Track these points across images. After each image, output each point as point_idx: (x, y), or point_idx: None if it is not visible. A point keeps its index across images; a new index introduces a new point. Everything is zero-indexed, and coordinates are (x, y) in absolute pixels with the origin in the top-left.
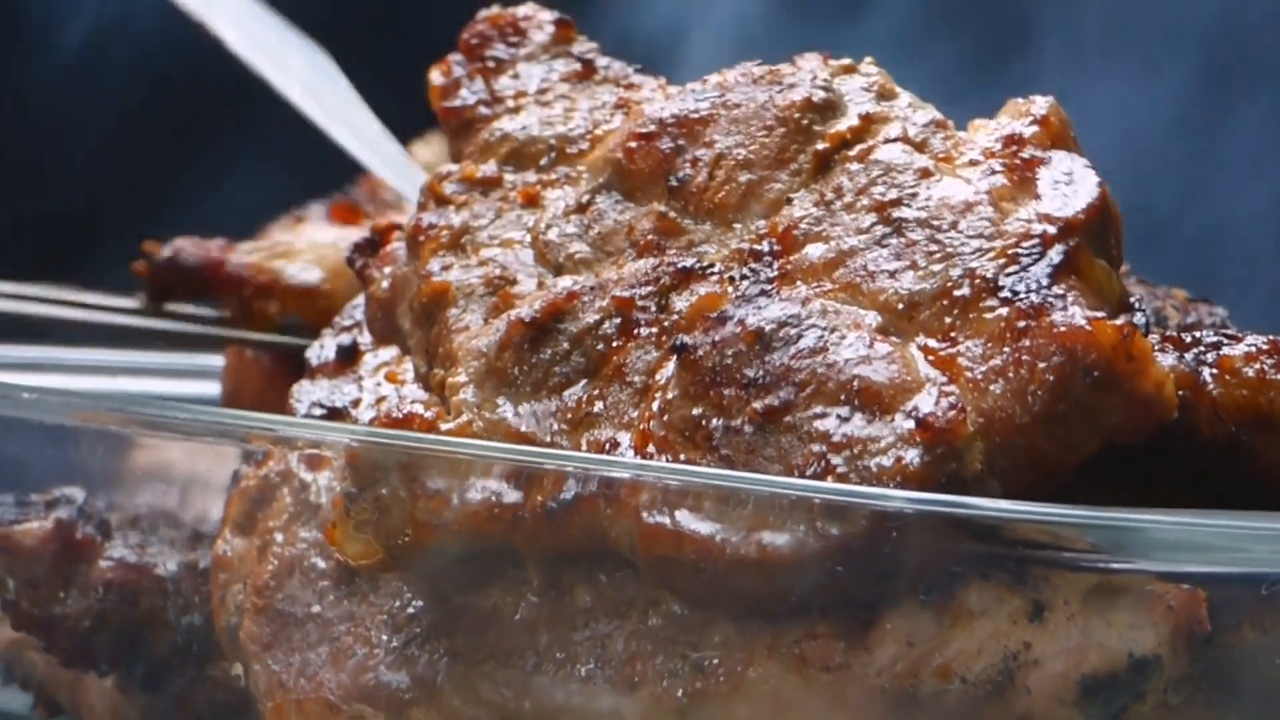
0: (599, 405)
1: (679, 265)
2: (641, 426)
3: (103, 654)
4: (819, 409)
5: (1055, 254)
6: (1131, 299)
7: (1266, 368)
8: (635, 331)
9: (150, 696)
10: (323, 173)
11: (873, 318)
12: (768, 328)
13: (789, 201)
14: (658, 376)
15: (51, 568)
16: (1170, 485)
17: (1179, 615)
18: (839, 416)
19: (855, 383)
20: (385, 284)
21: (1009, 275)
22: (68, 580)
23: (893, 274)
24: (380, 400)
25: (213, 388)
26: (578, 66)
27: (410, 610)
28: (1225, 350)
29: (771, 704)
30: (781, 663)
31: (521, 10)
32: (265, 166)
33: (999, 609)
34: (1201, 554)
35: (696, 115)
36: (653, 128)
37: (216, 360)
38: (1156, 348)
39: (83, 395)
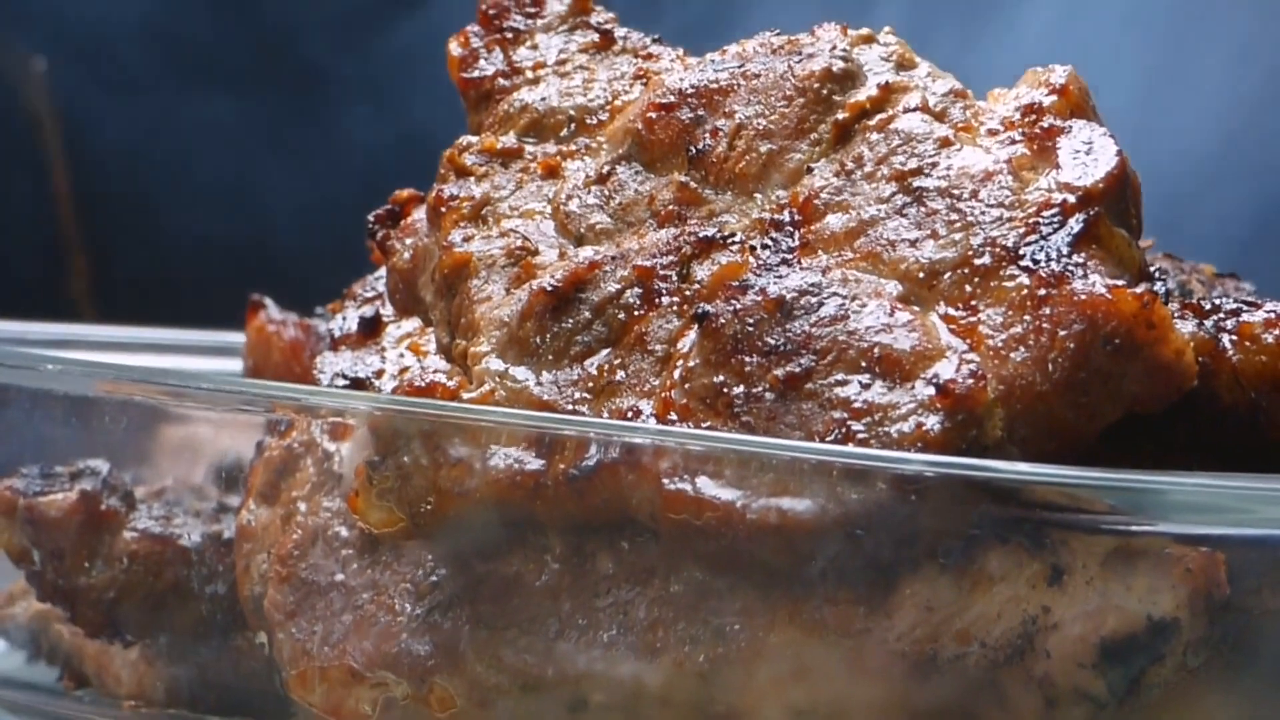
0: (621, 374)
1: (700, 235)
2: (663, 394)
3: (127, 624)
4: (840, 376)
5: (1075, 223)
6: (1151, 268)
7: None
8: (657, 300)
9: (175, 666)
10: None
11: (893, 286)
12: (789, 296)
13: (809, 171)
14: (679, 345)
15: (77, 539)
16: (1190, 452)
17: (1197, 578)
18: (860, 383)
19: (876, 350)
20: (406, 255)
21: (1029, 244)
22: (93, 551)
23: (913, 243)
24: (403, 371)
25: (235, 364)
26: (596, 37)
27: (433, 578)
28: (1245, 317)
29: (792, 669)
30: (802, 628)
31: None
32: None
33: (1018, 574)
34: (1220, 516)
35: (716, 85)
36: (672, 98)
37: (238, 337)
38: (1176, 315)
39: (107, 367)
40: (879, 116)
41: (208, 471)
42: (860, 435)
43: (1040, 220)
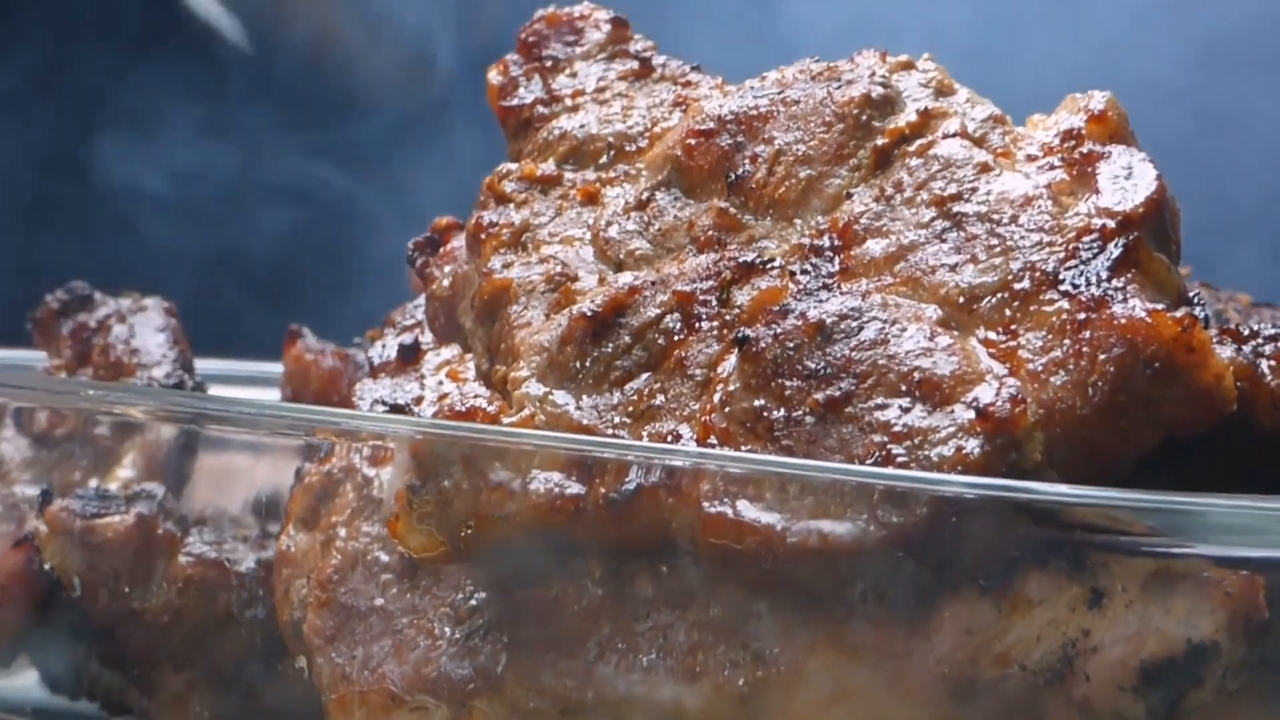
0: (660, 398)
1: (740, 260)
2: (703, 418)
3: (179, 648)
4: (880, 400)
5: (1115, 248)
6: (1191, 294)
7: None
8: (696, 325)
9: (222, 691)
10: None
11: (933, 311)
12: (829, 320)
13: (849, 197)
14: (719, 369)
15: (133, 562)
16: (1228, 477)
17: (1237, 601)
18: (900, 407)
19: (916, 374)
20: (446, 282)
21: (1069, 268)
22: (147, 575)
23: (953, 268)
24: (442, 397)
25: (272, 394)
26: (635, 65)
27: (472, 602)
28: None
29: (832, 692)
30: (841, 651)
31: (578, 9)
32: None
33: (1058, 596)
34: (1259, 538)
35: (755, 112)
36: (712, 125)
37: (275, 367)
38: (1215, 340)
39: (140, 393)
40: (918, 142)
41: (246, 499)
42: (900, 459)
43: (1080, 245)
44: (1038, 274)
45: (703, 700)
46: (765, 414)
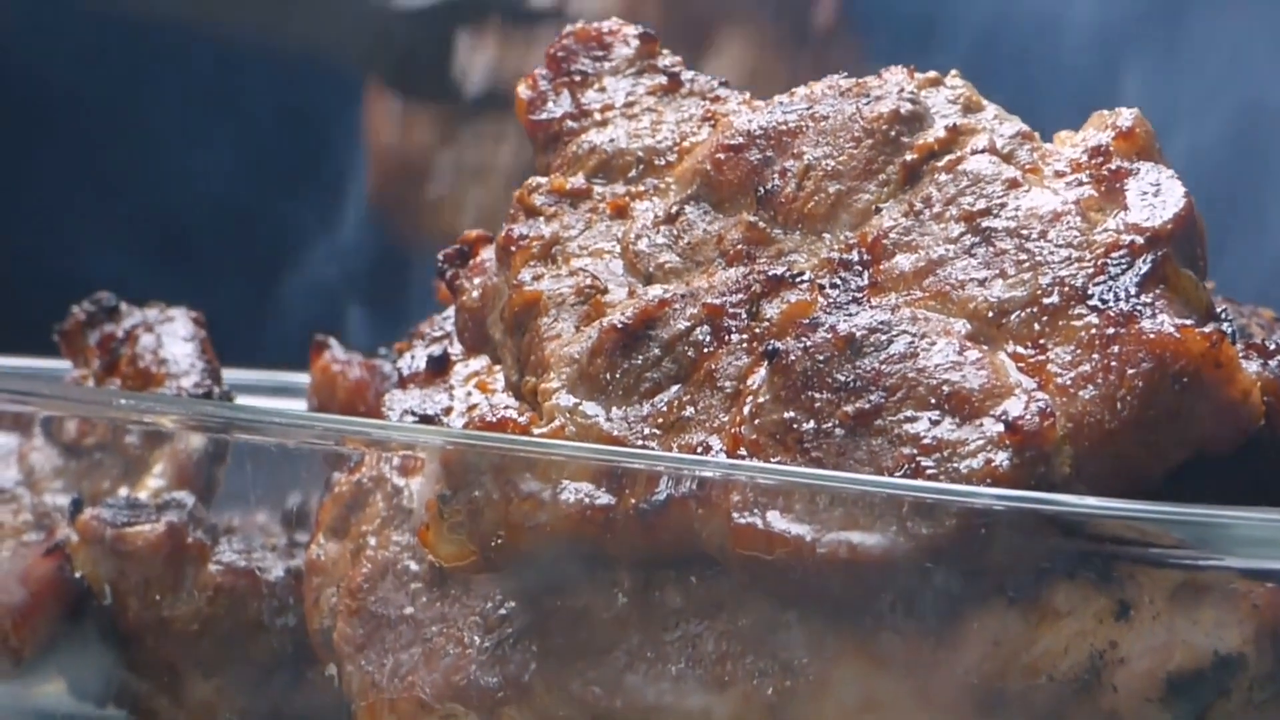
0: (690, 410)
1: (769, 274)
2: (733, 430)
3: (208, 657)
4: (909, 413)
5: (1143, 264)
6: (1218, 310)
7: None
8: (726, 338)
9: (251, 698)
10: None
11: (962, 325)
12: (859, 334)
13: (877, 211)
14: (749, 381)
15: (163, 571)
16: (1255, 490)
17: (1264, 614)
18: (929, 420)
19: (945, 387)
20: (475, 294)
21: (1098, 284)
22: (177, 583)
23: (982, 282)
24: (472, 408)
25: (298, 404)
26: (663, 80)
27: (502, 611)
28: None
29: (860, 702)
30: (870, 661)
31: (606, 24)
32: None
33: (1085, 608)
34: None
35: (784, 127)
36: (741, 140)
37: (302, 377)
38: (1241, 355)
39: (171, 402)
40: (947, 158)
41: (274, 509)
42: (930, 471)
43: (1109, 261)
44: (1066, 289)
45: (731, 709)
46: (795, 426)
